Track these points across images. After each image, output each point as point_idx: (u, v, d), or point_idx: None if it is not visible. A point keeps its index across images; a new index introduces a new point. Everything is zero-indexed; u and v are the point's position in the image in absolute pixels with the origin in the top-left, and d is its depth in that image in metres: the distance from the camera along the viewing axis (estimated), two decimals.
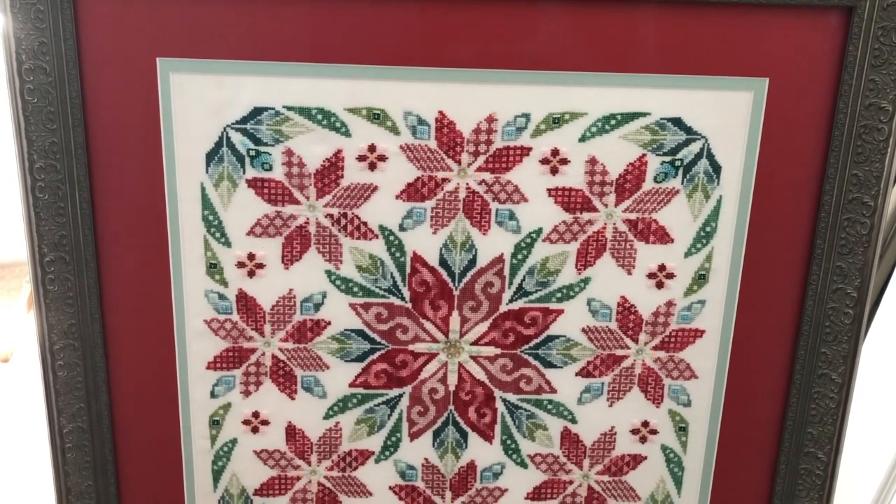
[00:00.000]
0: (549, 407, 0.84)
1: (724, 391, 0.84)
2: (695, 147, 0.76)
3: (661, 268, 0.80)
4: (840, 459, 0.84)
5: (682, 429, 0.85)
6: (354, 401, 0.83)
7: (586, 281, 0.80)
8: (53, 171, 0.74)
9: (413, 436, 0.85)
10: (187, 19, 0.72)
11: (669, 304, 0.81)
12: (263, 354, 0.81)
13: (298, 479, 0.86)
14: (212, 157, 0.75)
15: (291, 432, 0.84)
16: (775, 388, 0.84)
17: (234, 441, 0.84)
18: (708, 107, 0.75)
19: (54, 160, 0.74)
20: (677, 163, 0.77)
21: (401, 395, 0.83)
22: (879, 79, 0.73)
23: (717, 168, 0.77)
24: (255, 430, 0.84)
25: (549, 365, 0.82)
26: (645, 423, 0.85)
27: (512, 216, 0.78)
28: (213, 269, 0.79)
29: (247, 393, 0.83)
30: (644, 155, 0.76)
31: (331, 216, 0.77)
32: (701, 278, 0.80)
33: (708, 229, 0.79)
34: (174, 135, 0.75)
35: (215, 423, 0.83)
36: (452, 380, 0.83)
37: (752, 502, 0.87)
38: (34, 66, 0.71)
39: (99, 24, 0.72)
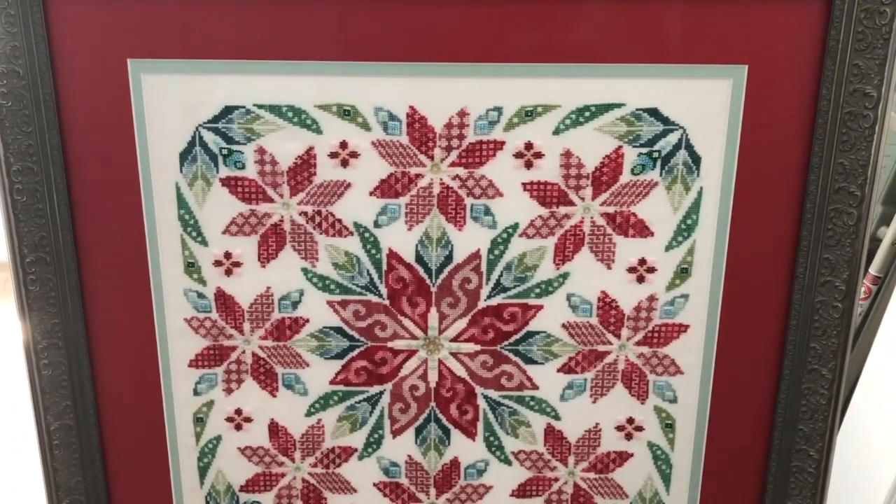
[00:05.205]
0: (532, 404, 0.83)
1: (711, 387, 0.82)
2: (672, 138, 0.74)
3: (642, 262, 0.78)
4: (833, 457, 0.81)
5: (668, 425, 0.83)
6: (335, 398, 0.83)
7: (565, 276, 0.79)
8: (31, 174, 0.75)
9: (395, 433, 0.84)
10: (156, 20, 0.72)
11: (651, 298, 0.79)
12: (244, 352, 0.82)
13: (283, 475, 0.86)
14: (185, 156, 0.76)
15: (274, 429, 0.84)
16: (764, 384, 0.81)
17: (218, 438, 0.85)
18: (685, 96, 0.73)
19: (31, 162, 0.75)
20: (655, 154, 0.75)
21: (381, 393, 0.83)
22: (863, 63, 0.70)
23: (696, 159, 0.75)
24: (238, 427, 0.84)
25: (530, 361, 0.81)
26: (630, 420, 0.83)
27: (487, 211, 0.77)
28: (191, 267, 0.79)
29: (229, 391, 0.83)
30: (620, 147, 0.75)
31: (305, 214, 0.77)
32: (683, 272, 0.78)
33: (689, 222, 0.77)
34: (147, 135, 0.75)
35: (199, 421, 0.84)
36: (433, 377, 0.82)
37: (744, 500, 0.85)
38: (7, 69, 0.72)
39: (70, 27, 0.72)
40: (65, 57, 0.73)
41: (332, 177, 0.76)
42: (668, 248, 0.78)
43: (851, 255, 0.75)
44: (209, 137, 0.75)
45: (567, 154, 0.75)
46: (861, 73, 0.70)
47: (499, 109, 0.74)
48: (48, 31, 0.72)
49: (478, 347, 0.81)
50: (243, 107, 0.74)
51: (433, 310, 0.80)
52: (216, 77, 0.73)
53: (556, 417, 0.83)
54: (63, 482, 0.84)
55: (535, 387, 0.82)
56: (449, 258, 0.78)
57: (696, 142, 0.74)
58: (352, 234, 0.78)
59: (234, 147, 0.75)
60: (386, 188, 0.76)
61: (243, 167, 0.76)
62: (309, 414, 0.84)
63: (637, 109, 0.73)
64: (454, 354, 0.81)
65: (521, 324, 0.80)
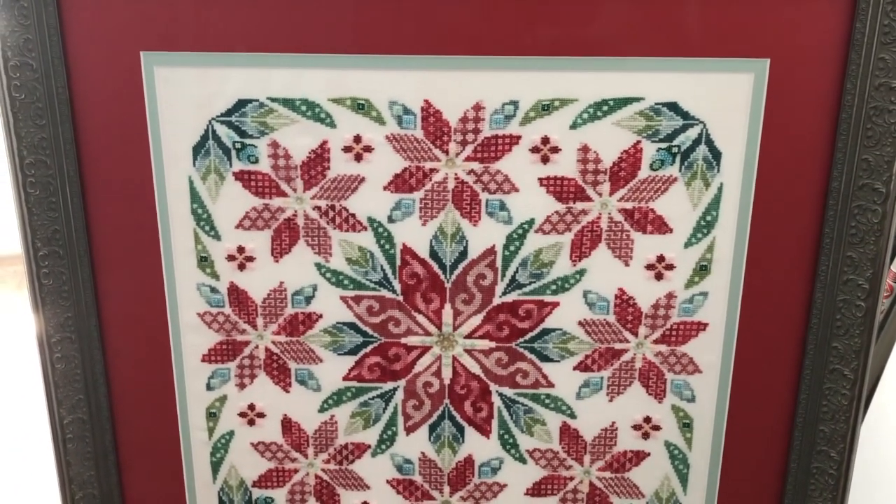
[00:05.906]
0: (547, 401, 0.82)
1: (730, 387, 0.80)
2: (692, 133, 0.73)
3: (660, 259, 0.77)
4: (854, 458, 0.80)
5: (686, 425, 0.82)
6: (349, 394, 0.82)
7: (581, 273, 0.77)
8: (44, 167, 0.75)
9: (409, 430, 0.84)
10: (170, 12, 0.72)
11: (670, 296, 0.78)
12: (257, 347, 0.81)
13: (296, 471, 0.86)
14: (198, 150, 0.75)
15: (287, 425, 0.84)
16: (784, 383, 0.80)
17: (231, 433, 0.84)
18: (705, 90, 0.72)
19: (44, 156, 0.74)
20: (674, 149, 0.73)
21: (395, 389, 0.82)
22: (890, 57, 0.69)
23: (716, 154, 0.73)
24: (251, 422, 0.84)
25: (546, 359, 0.80)
26: (647, 419, 0.82)
27: (503, 206, 0.76)
28: (204, 262, 0.79)
29: (242, 385, 0.83)
30: (639, 142, 0.73)
31: (319, 208, 0.76)
32: (703, 269, 0.77)
33: (709, 218, 0.75)
34: (160, 128, 0.74)
35: (212, 416, 0.84)
36: (447, 373, 0.81)
37: (762, 502, 0.84)
38: (20, 62, 0.72)
39: (83, 20, 0.72)
40: (78, 49, 0.73)
41: (345, 171, 0.75)
42: (688, 244, 0.76)
43: (875, 252, 0.73)
44: (222, 131, 0.74)
45: (584, 149, 0.74)
46: (887, 66, 0.69)
47: (515, 103, 0.73)
48: (61, 24, 0.72)
49: (492, 344, 0.80)
50: (257, 100, 0.73)
51: (447, 306, 0.79)
52: (229, 70, 0.73)
53: (572, 416, 0.82)
54: (76, 476, 0.84)
55: (551, 385, 0.81)
56: (464, 254, 0.77)
57: (716, 137, 0.73)
58: (365, 228, 0.77)
59: (248, 141, 0.74)
60: (400, 183, 0.75)
61: (257, 161, 0.75)
62: (322, 410, 0.83)
63: (656, 104, 0.72)
64: (468, 351, 0.81)
65: (537, 321, 0.79)
